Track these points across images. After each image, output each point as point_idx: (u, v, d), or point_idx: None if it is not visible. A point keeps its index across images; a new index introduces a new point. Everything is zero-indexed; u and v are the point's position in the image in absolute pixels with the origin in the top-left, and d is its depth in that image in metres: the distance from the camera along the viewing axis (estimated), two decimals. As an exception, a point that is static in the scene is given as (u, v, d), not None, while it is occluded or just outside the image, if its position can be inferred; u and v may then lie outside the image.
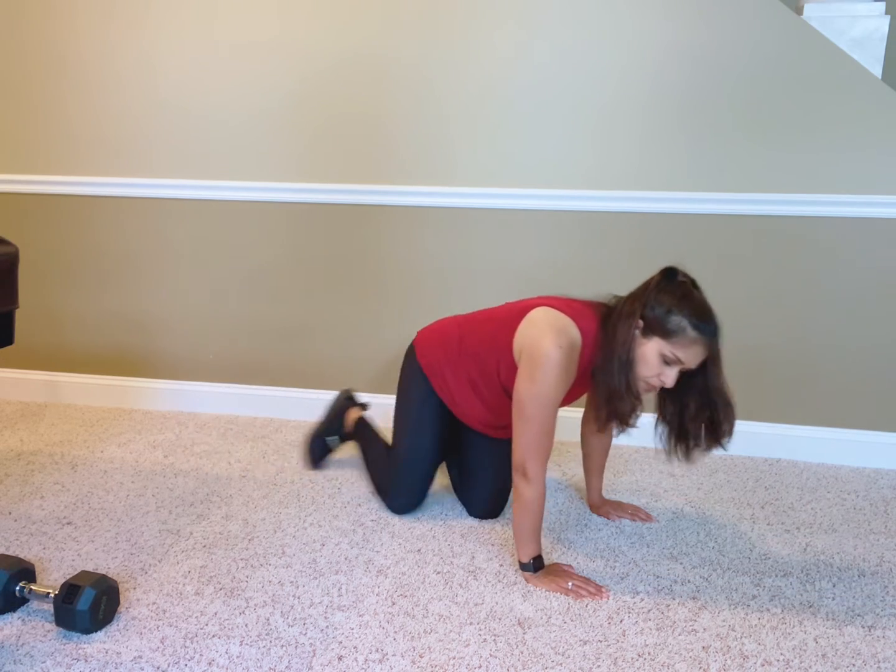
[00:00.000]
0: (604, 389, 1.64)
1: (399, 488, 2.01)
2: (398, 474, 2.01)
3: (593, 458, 2.01)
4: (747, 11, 2.13)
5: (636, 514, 2.02)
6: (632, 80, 2.22)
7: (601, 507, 2.04)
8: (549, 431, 1.67)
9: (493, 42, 2.26)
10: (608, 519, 2.01)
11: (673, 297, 1.59)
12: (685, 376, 1.62)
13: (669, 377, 1.58)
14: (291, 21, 2.35)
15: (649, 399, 1.71)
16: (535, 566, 1.71)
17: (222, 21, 2.39)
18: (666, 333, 1.56)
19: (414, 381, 1.99)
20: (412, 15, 2.28)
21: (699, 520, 2.03)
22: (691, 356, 1.56)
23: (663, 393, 1.69)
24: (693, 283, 1.65)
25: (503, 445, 1.94)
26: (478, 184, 2.36)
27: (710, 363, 1.61)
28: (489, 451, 2.00)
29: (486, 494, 2.00)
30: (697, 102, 2.21)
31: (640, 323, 1.60)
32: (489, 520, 2.01)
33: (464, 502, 2.06)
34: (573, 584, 1.67)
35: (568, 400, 1.76)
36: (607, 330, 1.65)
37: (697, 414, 1.66)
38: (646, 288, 1.64)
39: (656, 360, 1.58)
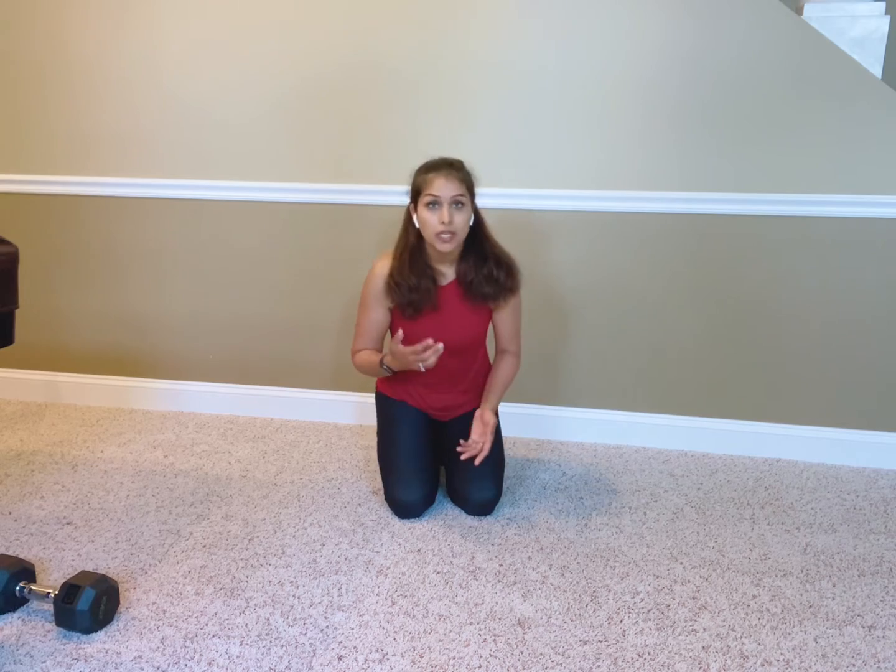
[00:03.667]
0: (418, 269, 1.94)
1: (387, 489, 2.05)
2: (388, 472, 2.07)
3: (490, 379, 2.07)
4: (747, 11, 2.13)
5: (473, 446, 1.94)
6: (630, 80, 2.22)
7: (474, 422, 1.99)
8: (361, 323, 2.02)
9: (491, 42, 2.26)
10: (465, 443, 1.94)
11: (414, 174, 1.92)
12: (468, 246, 1.94)
13: (444, 215, 1.82)
14: (293, 20, 2.35)
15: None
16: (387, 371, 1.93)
17: (223, 21, 2.39)
18: (417, 192, 1.88)
19: (377, 403, 2.16)
20: (413, 16, 2.28)
21: (699, 520, 2.03)
22: (439, 188, 1.82)
23: (461, 259, 1.96)
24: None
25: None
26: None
27: (477, 225, 1.92)
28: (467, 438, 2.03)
29: (474, 482, 2.00)
30: (696, 102, 2.21)
31: (412, 207, 1.91)
32: (487, 518, 2.01)
33: (458, 501, 2.06)
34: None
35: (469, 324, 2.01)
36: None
37: (477, 265, 1.94)
38: None
39: (428, 213, 1.84)
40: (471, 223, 1.89)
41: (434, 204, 1.83)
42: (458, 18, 2.26)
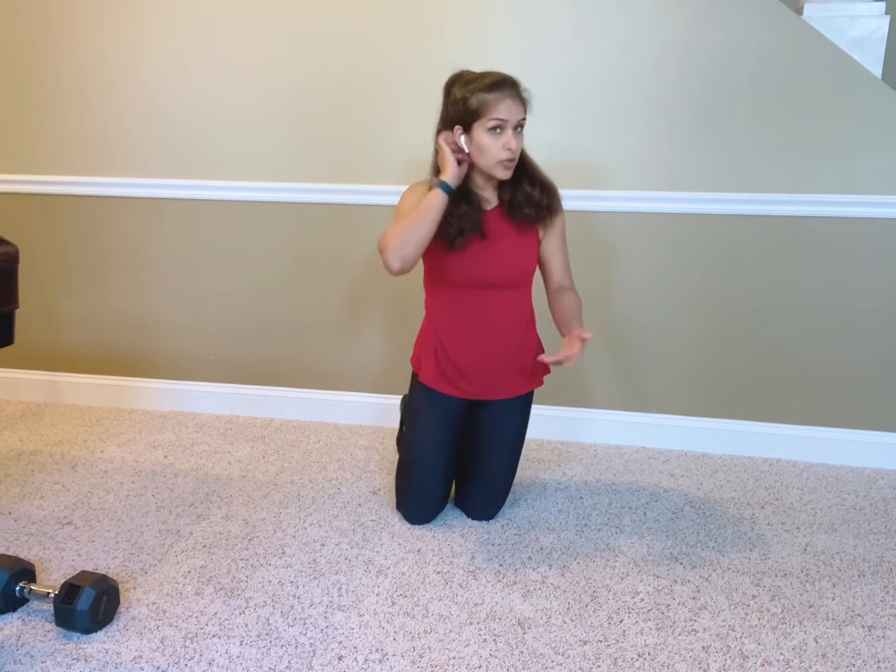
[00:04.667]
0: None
1: (404, 492, 1.99)
2: (403, 478, 2.00)
3: (561, 313, 1.88)
4: (747, 11, 2.13)
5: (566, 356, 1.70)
6: (630, 79, 2.22)
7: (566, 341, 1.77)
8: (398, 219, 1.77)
9: (503, 43, 2.26)
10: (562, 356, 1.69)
11: (457, 91, 1.73)
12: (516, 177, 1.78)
13: (511, 141, 1.68)
14: (291, 20, 2.35)
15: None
16: (442, 187, 1.72)
17: (222, 20, 2.38)
18: (476, 114, 1.68)
19: (411, 387, 2.04)
20: (418, 14, 2.28)
21: (699, 520, 2.03)
22: (507, 111, 1.67)
23: (500, 185, 1.82)
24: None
25: (503, 447, 1.98)
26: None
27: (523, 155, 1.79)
28: (489, 453, 1.99)
29: (484, 495, 2.00)
30: (696, 102, 2.21)
31: (459, 129, 1.73)
32: (487, 521, 2.01)
33: (462, 506, 2.05)
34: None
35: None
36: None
37: (516, 185, 1.81)
38: (443, 109, 1.78)
39: (490, 138, 1.69)
40: None
41: (499, 128, 1.68)
42: (466, 18, 2.26)
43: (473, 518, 2.01)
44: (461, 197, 1.77)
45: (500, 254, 1.82)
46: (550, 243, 1.89)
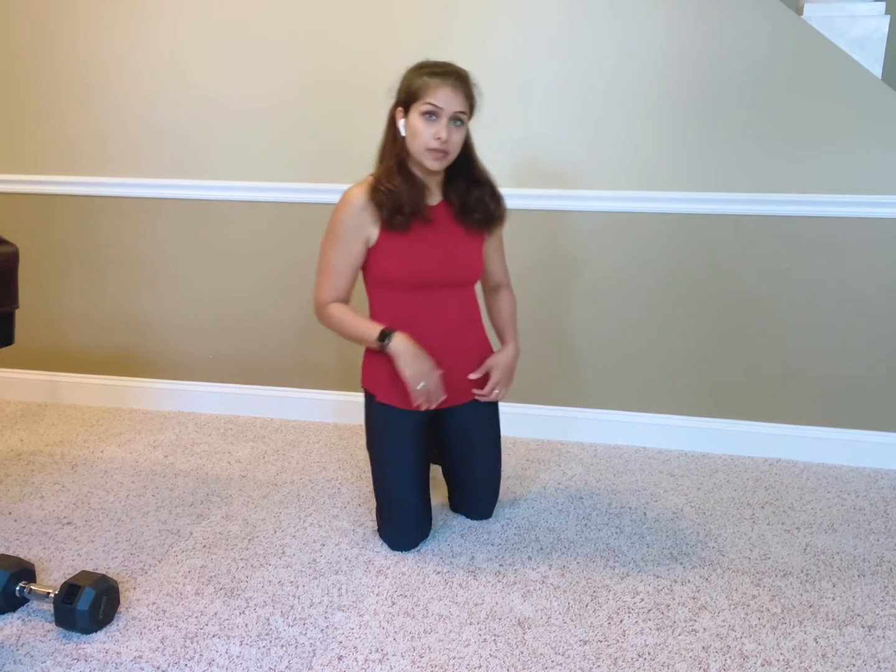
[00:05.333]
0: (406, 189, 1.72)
1: (384, 519, 1.89)
2: (381, 506, 1.89)
3: (499, 315, 1.96)
4: (747, 12, 2.13)
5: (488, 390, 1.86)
6: (630, 80, 2.22)
7: (491, 364, 1.87)
8: (329, 262, 1.77)
9: (499, 43, 2.26)
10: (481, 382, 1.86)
11: (408, 73, 1.72)
12: (457, 169, 1.76)
13: (442, 130, 1.64)
14: (288, 20, 2.35)
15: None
16: (383, 338, 1.72)
17: (220, 21, 2.38)
18: (415, 96, 1.66)
19: (367, 412, 1.89)
20: (414, 16, 2.28)
21: (699, 520, 2.03)
22: (443, 98, 1.64)
23: (450, 180, 1.79)
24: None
25: (483, 445, 1.96)
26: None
27: (467, 146, 1.76)
28: (471, 455, 1.95)
29: (478, 495, 2.00)
30: (695, 103, 2.21)
31: (400, 111, 1.71)
32: (487, 519, 2.01)
33: (459, 510, 2.04)
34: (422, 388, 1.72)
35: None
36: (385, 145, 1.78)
37: (469, 188, 1.79)
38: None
39: (423, 123, 1.65)
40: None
41: (432, 115, 1.64)
42: (461, 18, 2.26)
43: (473, 518, 2.01)
44: (405, 177, 1.71)
45: (447, 247, 1.78)
46: (492, 242, 1.90)
